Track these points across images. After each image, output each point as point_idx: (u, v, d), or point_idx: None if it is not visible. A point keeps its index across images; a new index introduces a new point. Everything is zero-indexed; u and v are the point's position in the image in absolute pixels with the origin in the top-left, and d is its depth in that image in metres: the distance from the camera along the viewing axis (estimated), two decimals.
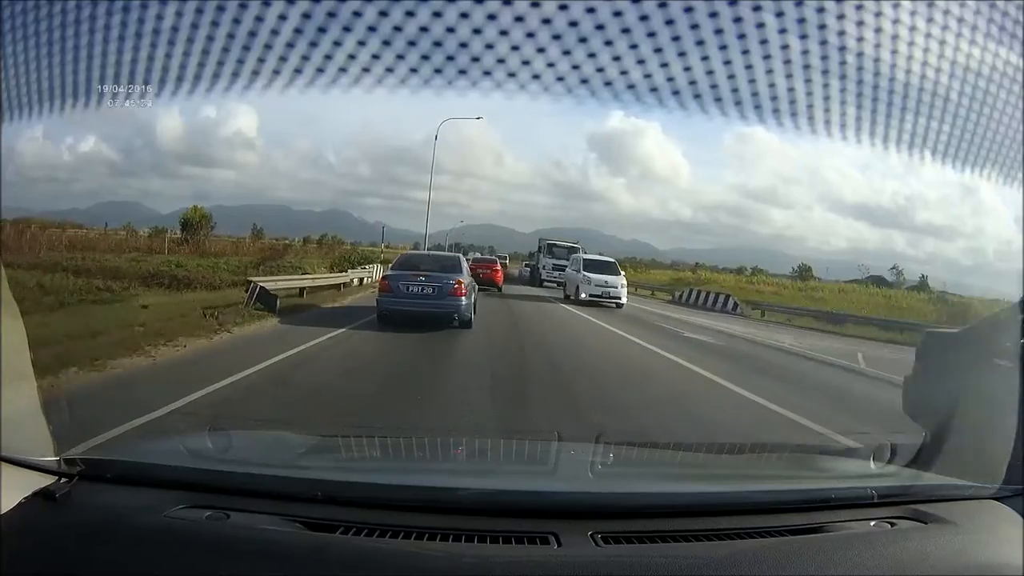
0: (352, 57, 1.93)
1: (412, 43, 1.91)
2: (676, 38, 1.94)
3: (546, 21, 1.92)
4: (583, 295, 18.25)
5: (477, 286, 12.37)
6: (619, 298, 18.43)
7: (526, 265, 34.41)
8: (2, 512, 1.35)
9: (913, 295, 28.32)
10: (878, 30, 2.05)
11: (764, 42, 2.01)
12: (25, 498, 1.42)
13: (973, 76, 2.15)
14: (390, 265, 12.55)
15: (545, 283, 26.05)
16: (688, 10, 1.93)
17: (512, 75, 1.94)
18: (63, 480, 1.52)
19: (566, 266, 24.78)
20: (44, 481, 1.50)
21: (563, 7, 1.94)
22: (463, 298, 10.16)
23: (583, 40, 1.94)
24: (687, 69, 2.00)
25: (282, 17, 1.92)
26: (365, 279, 19.53)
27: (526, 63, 1.93)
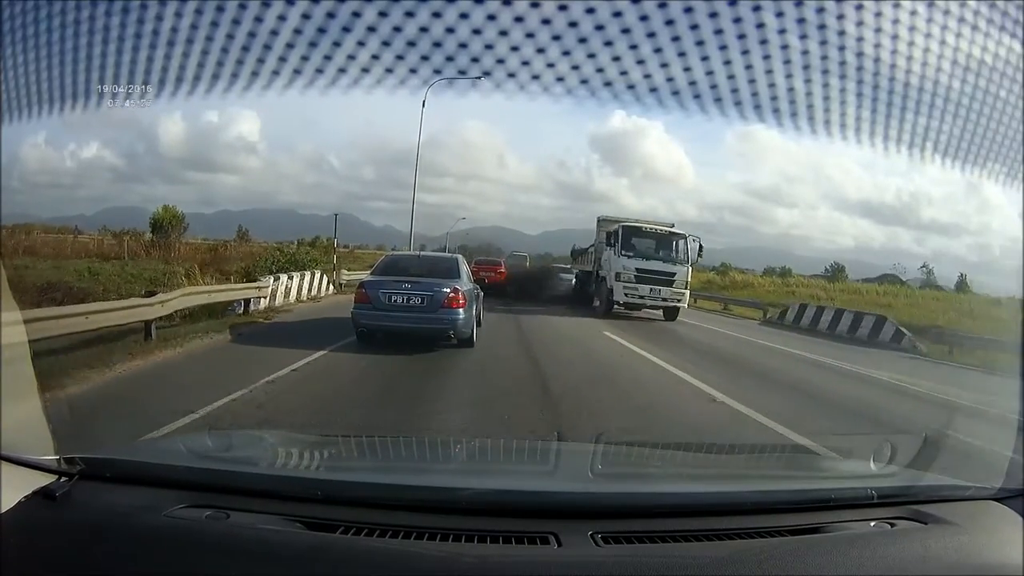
0: (352, 58, 1.93)
1: (412, 43, 1.91)
2: (676, 38, 1.94)
3: (546, 22, 1.92)
4: None
5: (481, 293, 10.30)
6: None
7: (566, 272, 20.93)
8: (2, 511, 1.35)
9: (965, 297, 24.37)
10: (878, 30, 2.05)
11: (764, 42, 2.02)
12: (25, 497, 1.42)
13: (973, 76, 2.15)
14: (370, 269, 9.92)
15: (619, 308, 15.19)
16: (688, 10, 1.94)
17: (512, 75, 1.95)
18: (63, 479, 1.53)
19: (665, 274, 14.83)
20: (44, 480, 1.50)
21: (563, 7, 1.94)
22: (461, 310, 8.14)
23: (583, 40, 1.94)
24: (687, 69, 2.00)
25: (281, 18, 1.92)
26: (255, 301, 11.68)
27: (526, 63, 1.93)
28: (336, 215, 20.11)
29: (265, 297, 12.33)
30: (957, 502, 1.84)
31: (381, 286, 8.25)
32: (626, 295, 15.02)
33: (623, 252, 15.26)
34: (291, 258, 17.70)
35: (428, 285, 8.19)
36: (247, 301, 11.65)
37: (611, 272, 15.43)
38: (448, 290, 8.14)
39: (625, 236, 15.55)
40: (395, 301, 8.06)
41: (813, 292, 25.79)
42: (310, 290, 14.99)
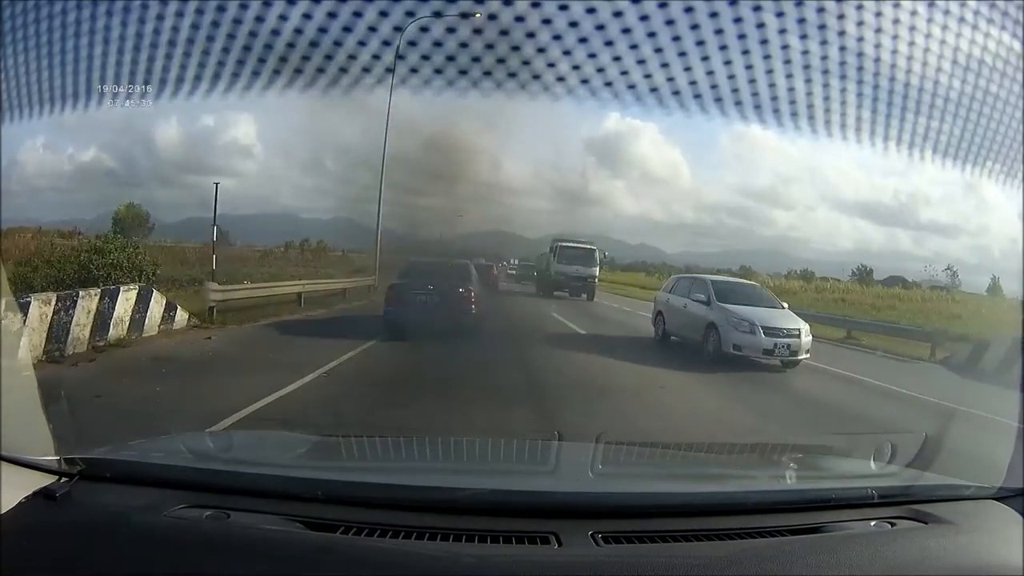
0: (352, 57, 1.93)
1: (412, 43, 1.91)
2: (676, 38, 1.94)
3: (546, 21, 1.92)
4: None
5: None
6: None
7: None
8: (3, 512, 1.35)
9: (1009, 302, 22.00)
10: (878, 30, 2.05)
11: (764, 42, 2.02)
12: (26, 498, 1.42)
13: (973, 76, 2.15)
14: (397, 273, 11.05)
15: None
16: (688, 10, 1.94)
17: (512, 75, 1.95)
18: (63, 480, 1.53)
19: None
20: (45, 481, 1.50)
21: (563, 7, 1.94)
22: (473, 307, 10.10)
23: (583, 40, 1.95)
24: (687, 69, 2.01)
25: (282, 17, 1.93)
26: None
27: (526, 63, 1.94)
28: (216, 183, 12.13)
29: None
30: (957, 502, 1.84)
31: (408, 288, 10.13)
32: None
33: None
34: (82, 265, 9.63)
35: (447, 286, 10.05)
36: None
37: None
38: (463, 289, 10.11)
39: None
40: (420, 300, 9.89)
41: (858, 299, 19.46)
42: (104, 329, 7.05)
